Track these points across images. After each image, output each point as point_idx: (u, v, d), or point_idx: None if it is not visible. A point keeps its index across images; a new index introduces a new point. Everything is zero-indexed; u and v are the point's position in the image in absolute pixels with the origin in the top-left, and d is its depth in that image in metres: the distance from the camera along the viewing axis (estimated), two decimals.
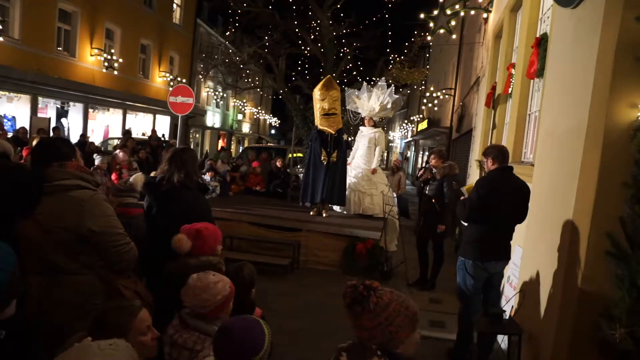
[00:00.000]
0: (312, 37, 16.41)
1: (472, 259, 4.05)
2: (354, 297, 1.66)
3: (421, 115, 26.45)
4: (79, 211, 2.30)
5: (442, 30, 9.12)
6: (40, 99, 14.72)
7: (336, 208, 8.54)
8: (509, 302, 4.12)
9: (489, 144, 7.29)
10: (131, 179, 3.36)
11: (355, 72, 18.24)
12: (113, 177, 7.93)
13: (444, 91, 17.99)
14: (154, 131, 17.05)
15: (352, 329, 1.70)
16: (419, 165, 27.71)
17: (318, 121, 8.19)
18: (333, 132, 7.94)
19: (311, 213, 8.03)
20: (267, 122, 43.75)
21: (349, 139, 11.82)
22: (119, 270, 2.48)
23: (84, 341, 1.42)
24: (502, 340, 4.07)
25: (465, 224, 4.32)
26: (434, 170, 6.59)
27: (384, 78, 9.91)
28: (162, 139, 15.86)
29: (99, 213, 2.36)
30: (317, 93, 8.18)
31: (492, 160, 4.08)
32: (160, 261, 2.73)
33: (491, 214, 3.93)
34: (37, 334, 2.31)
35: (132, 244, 2.52)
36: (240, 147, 33.89)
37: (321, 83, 8.22)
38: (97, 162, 7.85)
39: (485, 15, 9.52)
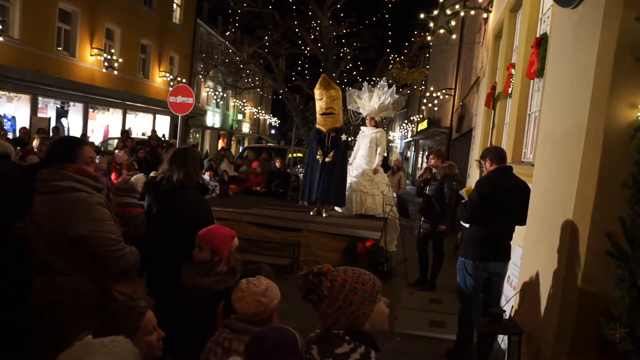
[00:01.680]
0: (312, 37, 16.40)
1: (472, 259, 4.06)
2: (306, 287, 1.63)
3: (421, 115, 26.44)
4: (68, 214, 2.29)
5: (442, 30, 9.13)
6: (40, 99, 14.73)
7: (337, 208, 8.54)
8: (509, 302, 4.12)
9: (489, 144, 7.30)
10: (132, 179, 3.36)
11: (355, 72, 18.22)
12: (113, 177, 7.94)
13: (444, 91, 18.00)
14: (153, 131, 17.06)
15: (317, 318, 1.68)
16: (419, 165, 27.72)
17: (318, 120, 8.20)
18: (325, 131, 7.93)
19: (311, 213, 8.02)
20: (267, 122, 43.74)
21: (349, 139, 11.81)
22: (114, 274, 2.46)
23: (85, 339, 1.42)
24: (502, 340, 4.06)
25: (466, 225, 4.33)
26: (434, 170, 6.59)
27: (385, 78, 9.91)
28: (163, 139, 15.86)
29: (90, 217, 2.33)
30: (316, 92, 8.18)
31: (490, 161, 4.10)
32: (160, 261, 2.73)
33: (492, 214, 3.94)
34: (37, 334, 2.32)
35: (129, 249, 2.48)
36: (240, 147, 33.88)
37: (318, 82, 8.21)
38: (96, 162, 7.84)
39: (485, 15, 9.52)
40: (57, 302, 2.29)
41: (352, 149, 9.02)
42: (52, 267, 2.31)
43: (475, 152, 8.82)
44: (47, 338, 2.25)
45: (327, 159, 7.88)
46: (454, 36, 11.60)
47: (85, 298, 2.33)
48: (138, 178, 3.34)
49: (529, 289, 3.58)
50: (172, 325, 2.21)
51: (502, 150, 4.28)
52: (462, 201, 4.27)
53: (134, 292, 2.53)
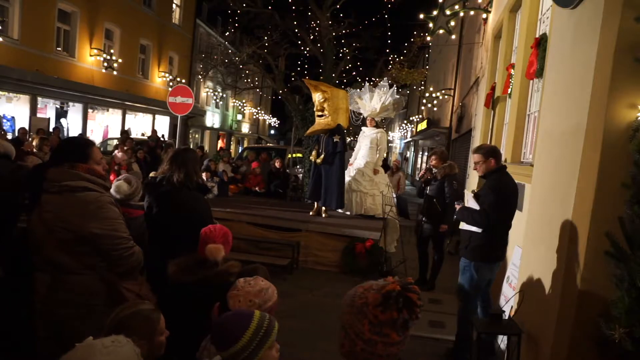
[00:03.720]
0: (312, 37, 16.38)
1: (481, 260, 4.00)
2: (411, 313, 1.28)
3: (421, 116, 26.45)
4: (82, 213, 2.31)
5: (441, 31, 9.14)
6: (39, 99, 14.72)
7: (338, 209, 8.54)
8: (509, 302, 4.11)
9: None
10: (114, 185, 3.35)
11: (354, 73, 18.21)
12: (111, 177, 7.94)
13: (443, 91, 18.00)
14: (153, 131, 17.04)
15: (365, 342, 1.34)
16: (419, 166, 27.72)
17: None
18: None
19: (311, 213, 8.03)
20: (267, 123, 43.74)
21: (350, 139, 11.82)
22: (122, 272, 2.48)
23: (86, 340, 1.43)
24: (502, 340, 4.07)
25: (478, 230, 4.16)
26: (434, 170, 6.59)
27: (385, 78, 9.90)
28: (162, 139, 15.84)
29: (102, 216, 2.36)
30: None
31: (495, 160, 4.03)
32: (160, 261, 2.72)
33: (505, 216, 3.93)
34: (47, 333, 2.33)
35: (136, 248, 2.51)
36: (240, 147, 33.86)
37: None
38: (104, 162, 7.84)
39: (484, 15, 9.53)
40: (67, 301, 2.30)
41: (353, 149, 9.02)
42: (61, 266, 2.32)
43: None
44: (58, 337, 2.25)
45: (317, 161, 7.89)
46: (453, 36, 11.61)
47: (95, 296, 2.35)
48: (119, 185, 3.34)
49: (529, 289, 3.58)
50: (170, 325, 2.22)
51: (498, 149, 4.28)
52: (465, 205, 4.17)
53: (139, 289, 2.54)
